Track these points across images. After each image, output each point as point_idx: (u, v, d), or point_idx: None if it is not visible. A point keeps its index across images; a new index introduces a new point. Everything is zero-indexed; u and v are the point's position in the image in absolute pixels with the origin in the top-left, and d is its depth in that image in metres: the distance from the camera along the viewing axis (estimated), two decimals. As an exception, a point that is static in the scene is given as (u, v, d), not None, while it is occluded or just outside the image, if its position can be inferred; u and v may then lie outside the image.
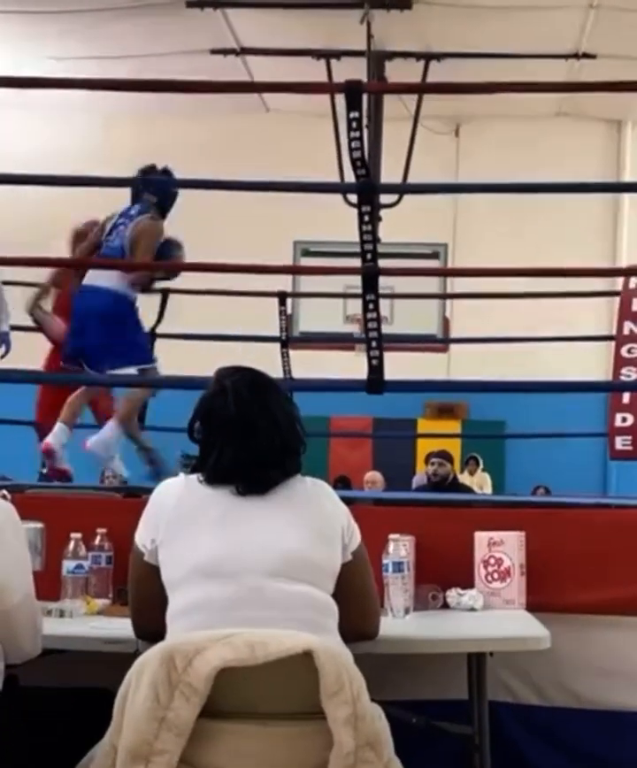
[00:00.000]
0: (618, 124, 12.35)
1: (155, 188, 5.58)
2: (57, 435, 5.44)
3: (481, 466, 11.14)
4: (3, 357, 5.85)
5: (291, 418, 2.65)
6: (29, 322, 6.25)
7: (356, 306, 10.15)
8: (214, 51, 10.44)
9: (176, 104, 9.79)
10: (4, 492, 3.34)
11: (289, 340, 7.47)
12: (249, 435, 2.58)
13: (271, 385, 2.69)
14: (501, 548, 3.38)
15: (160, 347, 6.79)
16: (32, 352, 6.03)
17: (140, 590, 2.67)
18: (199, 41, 10.18)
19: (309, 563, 2.52)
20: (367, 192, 3.94)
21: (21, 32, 10.05)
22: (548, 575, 3.41)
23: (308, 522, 2.56)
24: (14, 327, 5.92)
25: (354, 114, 3.79)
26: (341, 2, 9.28)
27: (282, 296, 7.39)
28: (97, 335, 5.41)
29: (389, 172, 9.41)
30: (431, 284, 9.74)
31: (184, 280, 6.25)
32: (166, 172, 5.60)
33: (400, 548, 3.22)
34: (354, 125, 3.81)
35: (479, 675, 3.03)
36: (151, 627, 2.58)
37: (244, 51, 10.49)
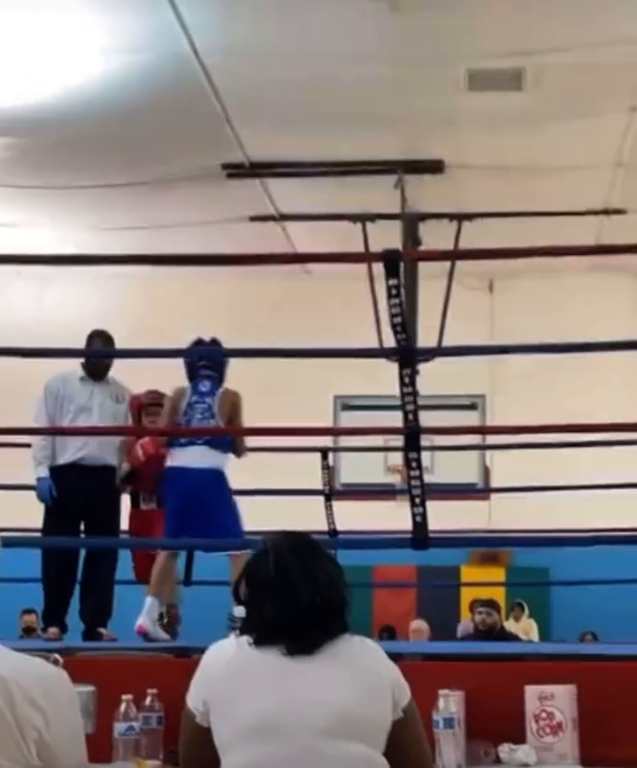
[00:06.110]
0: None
1: (211, 362, 5.74)
2: (149, 613, 5.48)
3: (527, 613, 11.01)
4: None
5: (332, 578, 2.68)
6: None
7: (396, 456, 10.25)
8: (254, 219, 10.77)
9: (217, 269, 10.08)
10: (56, 656, 3.36)
11: (333, 493, 7.55)
12: (288, 595, 2.61)
13: (313, 546, 2.74)
14: (552, 702, 3.37)
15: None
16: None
17: (191, 752, 2.65)
18: (239, 209, 10.49)
19: (360, 721, 2.52)
20: (407, 356, 4.08)
21: (62, 205, 10.42)
22: (602, 728, 3.39)
23: (357, 680, 2.57)
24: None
25: (392, 281, 3.95)
26: (375, 169, 9.63)
27: (324, 452, 7.51)
28: (213, 517, 5.57)
29: (426, 327, 9.62)
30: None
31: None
32: (215, 342, 5.78)
33: (450, 703, 3.23)
34: (393, 291, 3.96)
35: None
36: (204, 789, 2.58)
37: (283, 218, 10.81)
